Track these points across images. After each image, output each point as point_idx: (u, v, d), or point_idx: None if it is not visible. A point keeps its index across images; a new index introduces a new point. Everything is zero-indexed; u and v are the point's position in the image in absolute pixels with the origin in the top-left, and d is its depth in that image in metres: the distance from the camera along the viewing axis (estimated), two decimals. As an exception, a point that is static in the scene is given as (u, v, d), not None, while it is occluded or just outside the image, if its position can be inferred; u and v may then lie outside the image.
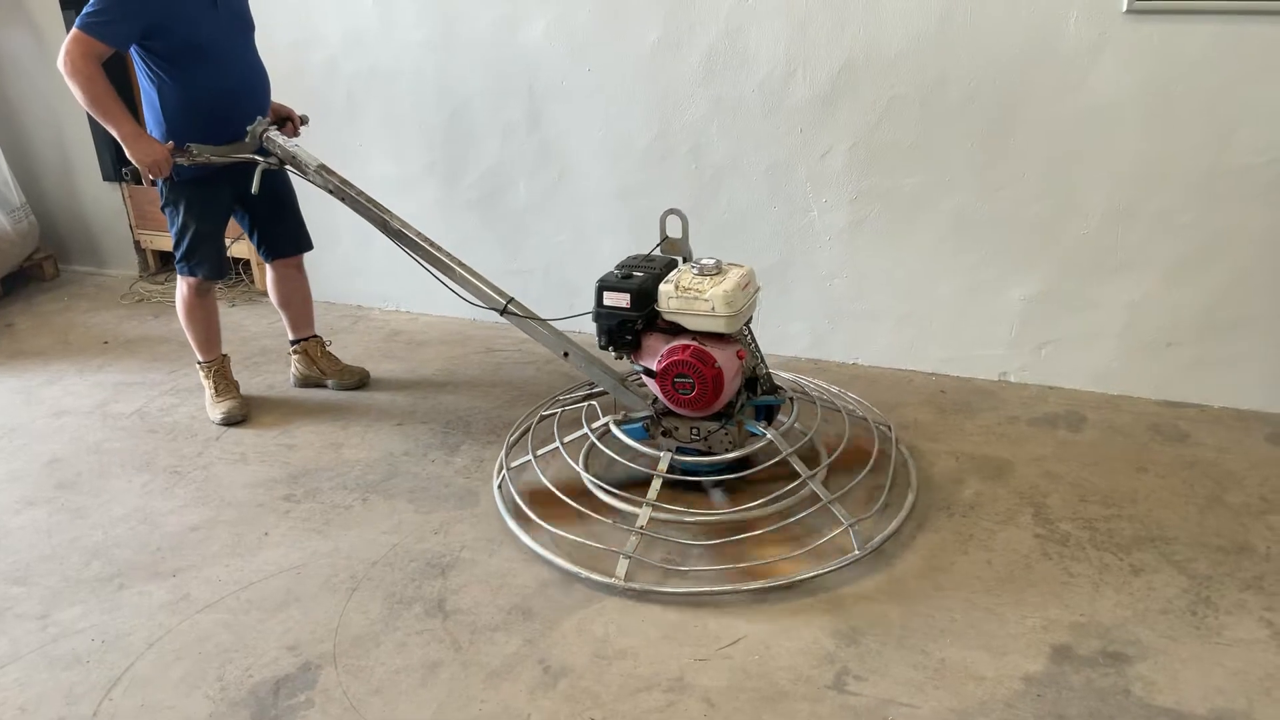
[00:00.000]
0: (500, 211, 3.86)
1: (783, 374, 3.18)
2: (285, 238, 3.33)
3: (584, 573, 2.41)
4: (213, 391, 3.33)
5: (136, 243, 4.77)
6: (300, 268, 3.43)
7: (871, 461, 2.71)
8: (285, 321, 3.51)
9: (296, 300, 3.46)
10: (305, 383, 3.54)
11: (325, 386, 3.52)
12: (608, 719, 2.00)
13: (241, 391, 3.41)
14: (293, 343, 3.52)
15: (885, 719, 1.98)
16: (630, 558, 2.40)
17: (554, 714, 2.02)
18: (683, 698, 2.04)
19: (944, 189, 3.19)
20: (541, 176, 3.73)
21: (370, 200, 2.90)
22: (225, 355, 3.39)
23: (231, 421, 3.28)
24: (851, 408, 3.03)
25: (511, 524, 2.62)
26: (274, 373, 3.67)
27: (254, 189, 2.91)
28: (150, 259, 4.80)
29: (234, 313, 4.28)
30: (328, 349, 3.56)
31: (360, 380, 3.54)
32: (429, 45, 3.69)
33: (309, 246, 3.40)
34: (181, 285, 3.20)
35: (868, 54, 3.11)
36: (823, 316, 3.52)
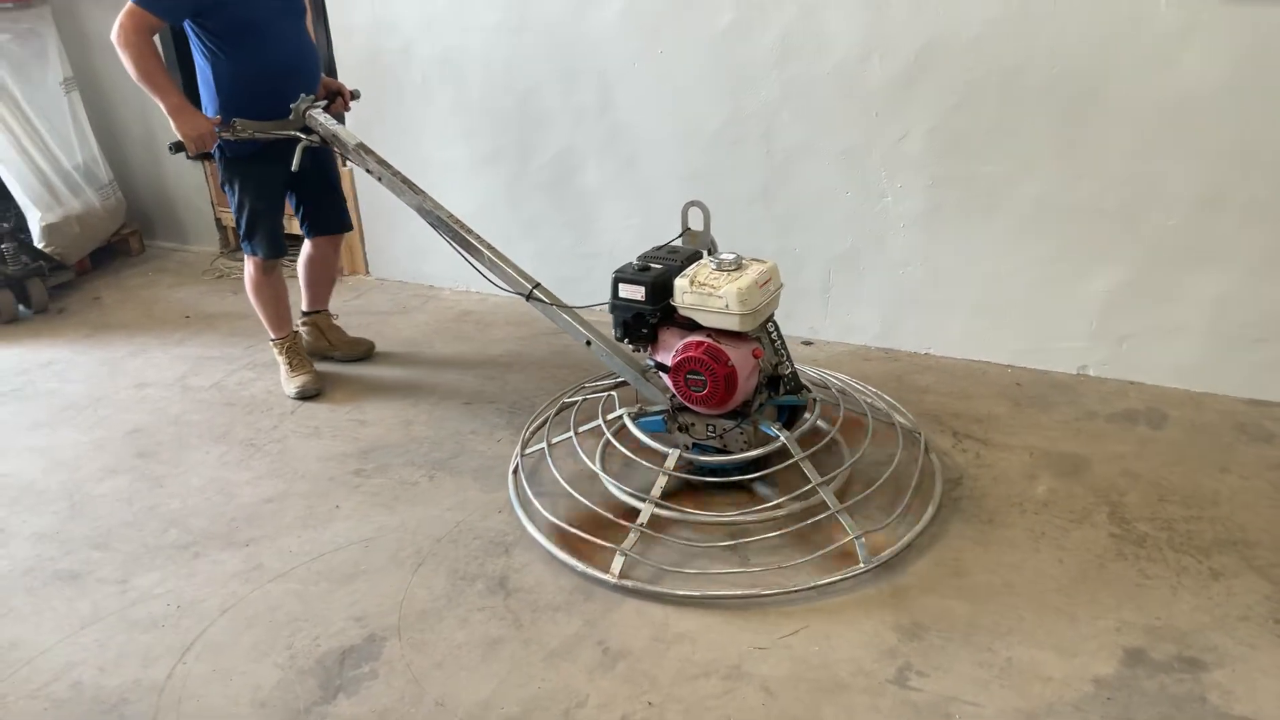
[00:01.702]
0: (570, 195, 3.87)
1: (809, 370, 3.12)
2: (330, 216, 3.42)
3: (580, 566, 2.38)
4: (287, 367, 3.41)
5: (217, 220, 4.91)
6: (338, 248, 3.55)
7: (891, 470, 2.58)
8: (304, 293, 3.60)
9: (324, 277, 3.57)
10: (312, 353, 3.60)
11: (332, 358, 3.61)
12: (664, 703, 2.00)
13: (315, 367, 3.48)
14: (305, 314, 3.62)
15: (948, 716, 1.94)
16: (627, 555, 2.36)
17: (611, 695, 2.03)
18: (740, 685, 2.03)
19: (1023, 175, 3.10)
20: (611, 160, 3.73)
21: (406, 181, 2.94)
22: (297, 331, 3.47)
23: (306, 396, 3.35)
24: (881, 408, 2.94)
25: (519, 512, 2.62)
26: (347, 350, 3.74)
27: (294, 166, 2.98)
28: (230, 236, 4.92)
29: (309, 290, 4.37)
30: (334, 321, 3.66)
31: (367, 351, 3.65)
32: (502, 28, 3.71)
33: (350, 227, 3.53)
34: (248, 264, 3.29)
35: (946, 36, 3.03)
36: (894, 305, 3.46)
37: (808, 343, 3.58)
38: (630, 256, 2.68)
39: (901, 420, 2.88)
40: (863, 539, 2.36)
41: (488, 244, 2.86)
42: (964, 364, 3.39)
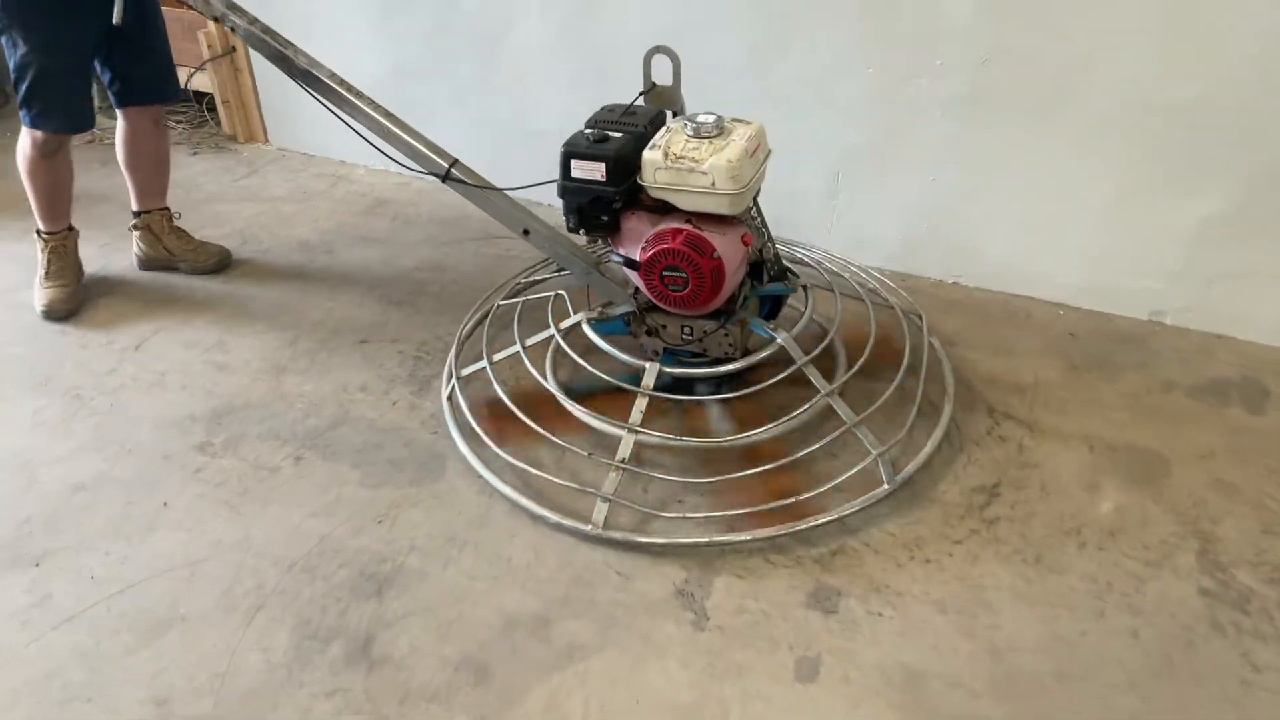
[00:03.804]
0: (506, 54, 3.00)
1: (783, 246, 2.54)
2: (144, 80, 2.60)
3: (553, 516, 1.95)
4: (43, 273, 2.71)
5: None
6: (158, 121, 2.73)
7: (902, 370, 2.16)
8: (130, 187, 2.81)
9: (147, 162, 2.75)
10: (150, 265, 2.88)
11: (177, 270, 2.86)
12: None
13: (84, 278, 2.79)
14: (135, 214, 2.84)
15: None
16: (610, 500, 1.94)
17: None
18: None
19: (1112, 57, 2.27)
20: (560, 8, 2.85)
21: (267, 30, 2.18)
22: (73, 229, 2.75)
23: (53, 317, 2.66)
24: (874, 286, 2.47)
25: (463, 448, 2.14)
26: (229, 243, 2.95)
27: (116, 18, 2.22)
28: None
29: (194, 164, 3.54)
30: (176, 224, 2.87)
31: (220, 261, 2.88)
32: None
33: (174, 96, 2.72)
34: (24, 136, 2.52)
35: None
36: (920, 218, 2.68)
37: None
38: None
39: (895, 300, 2.44)
40: (886, 455, 2.00)
41: (387, 112, 2.16)
42: (1002, 301, 2.65)
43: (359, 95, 2.14)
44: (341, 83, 2.14)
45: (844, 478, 1.96)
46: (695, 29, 2.67)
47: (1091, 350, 2.44)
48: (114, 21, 2.20)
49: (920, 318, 2.39)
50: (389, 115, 2.14)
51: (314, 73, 2.13)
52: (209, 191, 3.31)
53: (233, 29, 2.15)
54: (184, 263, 2.84)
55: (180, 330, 2.61)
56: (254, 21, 2.15)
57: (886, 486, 1.97)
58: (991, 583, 1.81)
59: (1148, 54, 2.24)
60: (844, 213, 2.76)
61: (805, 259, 2.55)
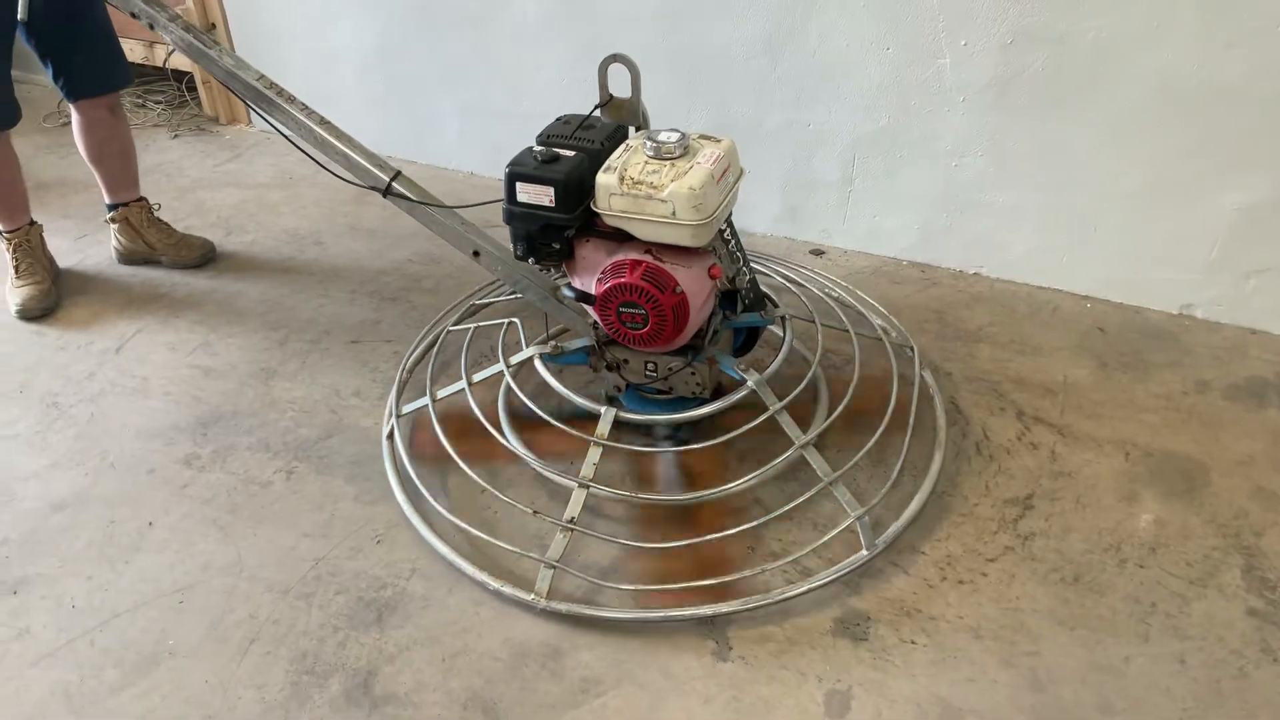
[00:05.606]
0: (500, 34, 2.85)
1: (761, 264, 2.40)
2: (89, 69, 2.46)
3: (492, 583, 1.75)
4: (13, 272, 2.58)
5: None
6: (115, 110, 2.59)
7: (888, 414, 1.95)
8: (100, 181, 2.68)
9: (112, 153, 2.62)
10: (130, 259, 2.76)
11: (159, 264, 2.74)
12: None
13: (58, 273, 2.67)
14: (110, 208, 2.72)
15: None
16: (555, 567, 1.73)
17: None
18: None
19: (1146, 38, 2.14)
20: (560, -15, 2.71)
21: (189, 28, 2.02)
22: (35, 223, 2.62)
23: (28, 316, 2.54)
24: (858, 310, 2.32)
25: (400, 497, 1.95)
26: (213, 234, 2.82)
27: (21, 13, 2.07)
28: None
29: (174, 147, 3.39)
30: (156, 215, 2.74)
31: (203, 255, 2.75)
32: None
33: (124, 82, 2.56)
34: None
35: None
36: (940, 207, 2.56)
37: (818, 251, 2.70)
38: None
39: (882, 324, 2.27)
40: (866, 518, 1.79)
41: (323, 119, 1.99)
42: (1027, 292, 2.54)
43: (290, 100, 1.97)
44: (271, 86, 1.97)
45: (817, 544, 1.77)
46: (698, 9, 2.53)
47: (1122, 347, 2.33)
48: (19, 18, 2.06)
49: (912, 350, 2.21)
50: (325, 123, 1.97)
51: (239, 74, 1.96)
52: (191, 177, 3.17)
53: (151, 26, 1.99)
54: (166, 257, 2.71)
55: (163, 330, 2.49)
56: (175, 18, 1.98)
57: (865, 552, 1.78)
58: (1029, 605, 1.71)
59: (1188, 35, 2.11)
60: (860, 201, 2.64)
61: (784, 281, 2.36)
